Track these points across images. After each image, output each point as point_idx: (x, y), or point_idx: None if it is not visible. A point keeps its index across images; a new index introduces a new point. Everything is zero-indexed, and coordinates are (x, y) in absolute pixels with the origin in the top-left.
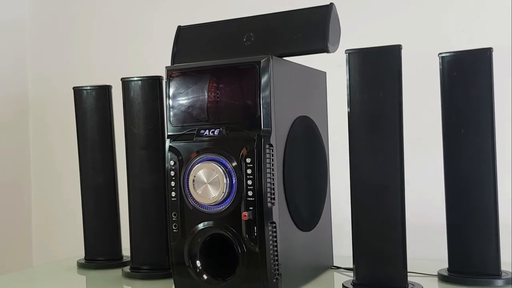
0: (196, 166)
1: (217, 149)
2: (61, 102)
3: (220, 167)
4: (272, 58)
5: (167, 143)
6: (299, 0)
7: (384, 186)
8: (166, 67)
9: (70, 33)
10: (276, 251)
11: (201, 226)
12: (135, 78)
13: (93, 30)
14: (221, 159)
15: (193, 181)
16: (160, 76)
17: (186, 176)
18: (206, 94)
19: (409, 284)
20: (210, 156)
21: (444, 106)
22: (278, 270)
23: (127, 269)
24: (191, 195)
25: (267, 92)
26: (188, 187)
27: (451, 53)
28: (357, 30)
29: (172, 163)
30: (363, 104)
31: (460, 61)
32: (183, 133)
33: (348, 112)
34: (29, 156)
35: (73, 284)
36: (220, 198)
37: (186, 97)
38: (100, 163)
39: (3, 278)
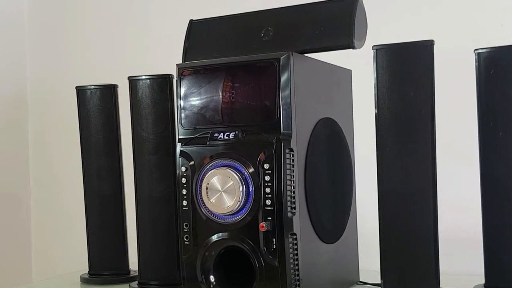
0: (210, 172)
1: (233, 154)
2: (62, 103)
3: (236, 174)
4: (292, 55)
5: (178, 147)
6: None
7: (414, 195)
8: (176, 64)
9: (71, 30)
10: (297, 265)
11: (215, 238)
12: (143, 77)
13: (96, 25)
14: (237, 165)
15: (207, 189)
16: (171, 75)
17: (199, 184)
18: (220, 94)
19: None
20: (224, 161)
21: (480, 107)
22: (299, 286)
23: (134, 284)
24: (204, 204)
25: (287, 92)
26: (201, 196)
27: (488, 49)
28: (386, 23)
29: (183, 169)
30: (392, 105)
31: (499, 57)
32: (196, 137)
33: (376, 114)
34: (28, 163)
35: None
36: (235, 208)
37: (198, 97)
38: (105, 170)
39: None
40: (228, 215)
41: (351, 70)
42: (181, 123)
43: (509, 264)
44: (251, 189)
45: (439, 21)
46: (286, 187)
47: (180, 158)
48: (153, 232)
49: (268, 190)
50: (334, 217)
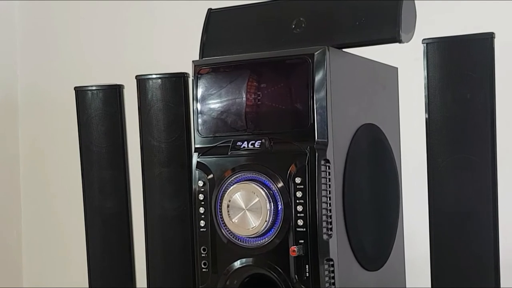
0: (232, 187)
1: (258, 166)
2: (58, 107)
3: (262, 189)
4: (328, 50)
5: (195, 158)
6: None
7: (471, 214)
8: (193, 61)
9: (66, 23)
10: None
11: (237, 264)
12: (154, 76)
13: (95, 17)
14: (263, 178)
15: (228, 206)
16: (186, 73)
17: (219, 201)
18: (244, 95)
19: None
20: (249, 175)
21: None
22: None
23: None
24: (225, 225)
25: (322, 93)
26: (221, 215)
27: None
28: (438, 13)
29: (200, 183)
30: (445, 108)
31: None
32: (215, 146)
33: (426, 119)
34: (18, 177)
35: None
36: (262, 229)
37: (218, 100)
38: (109, 185)
39: None
40: (253, 237)
41: (397, 68)
42: (198, 130)
43: None
44: (280, 207)
45: (500, 10)
46: (321, 205)
47: (196, 171)
48: (165, 257)
49: (300, 208)
50: (377, 240)
